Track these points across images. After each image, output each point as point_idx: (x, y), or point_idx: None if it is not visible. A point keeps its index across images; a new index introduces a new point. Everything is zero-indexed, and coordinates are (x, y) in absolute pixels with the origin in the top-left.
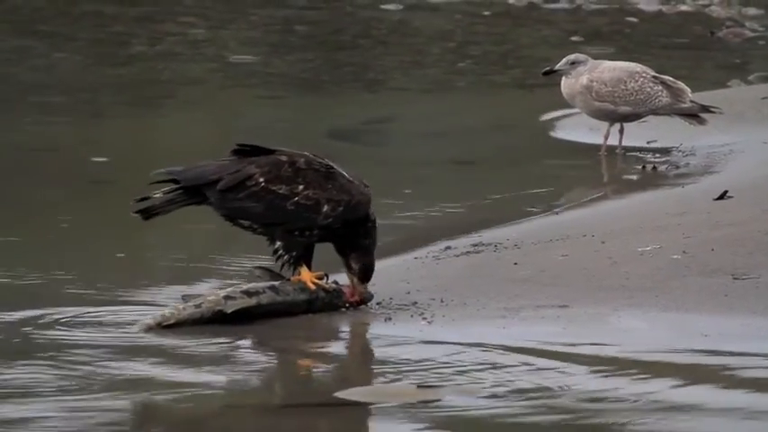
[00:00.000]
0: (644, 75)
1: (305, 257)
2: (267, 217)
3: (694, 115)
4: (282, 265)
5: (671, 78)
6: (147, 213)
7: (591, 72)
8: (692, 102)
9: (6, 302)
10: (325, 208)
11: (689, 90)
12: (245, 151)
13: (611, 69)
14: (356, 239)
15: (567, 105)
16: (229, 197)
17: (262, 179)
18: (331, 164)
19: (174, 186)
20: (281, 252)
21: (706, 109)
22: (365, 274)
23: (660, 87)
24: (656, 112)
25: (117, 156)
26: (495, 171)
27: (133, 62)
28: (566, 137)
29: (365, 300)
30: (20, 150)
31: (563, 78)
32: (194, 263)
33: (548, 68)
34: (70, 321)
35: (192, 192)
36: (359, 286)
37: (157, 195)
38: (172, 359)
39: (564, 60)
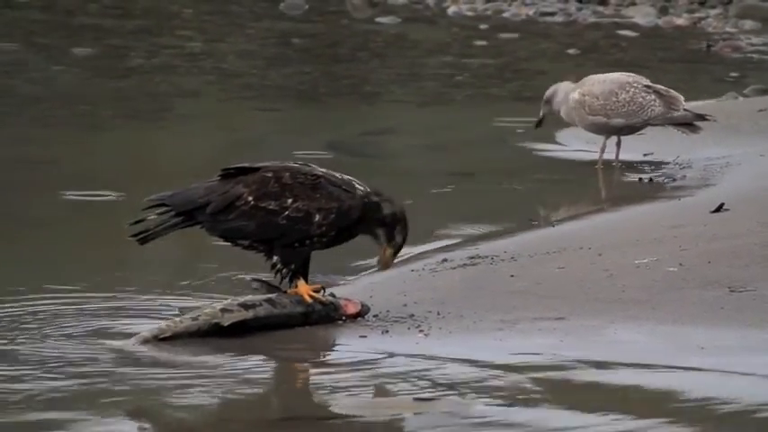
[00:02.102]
0: (635, 85)
1: (302, 270)
2: (261, 234)
3: (688, 124)
4: (282, 279)
5: (663, 87)
6: (143, 239)
7: (581, 87)
8: (685, 110)
9: (4, 313)
10: (317, 218)
11: (682, 98)
12: (230, 174)
13: (601, 82)
14: (378, 223)
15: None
16: (221, 219)
17: (251, 198)
18: (317, 172)
19: (167, 210)
20: (278, 266)
21: (700, 117)
22: (396, 246)
23: (653, 96)
24: (649, 122)
25: (115, 168)
26: (493, 183)
27: (131, 75)
28: (563, 149)
29: (362, 312)
30: (18, 163)
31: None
32: (192, 275)
33: (536, 121)
34: (67, 333)
35: (186, 215)
36: (388, 257)
37: (151, 218)
38: (168, 372)
39: (543, 109)
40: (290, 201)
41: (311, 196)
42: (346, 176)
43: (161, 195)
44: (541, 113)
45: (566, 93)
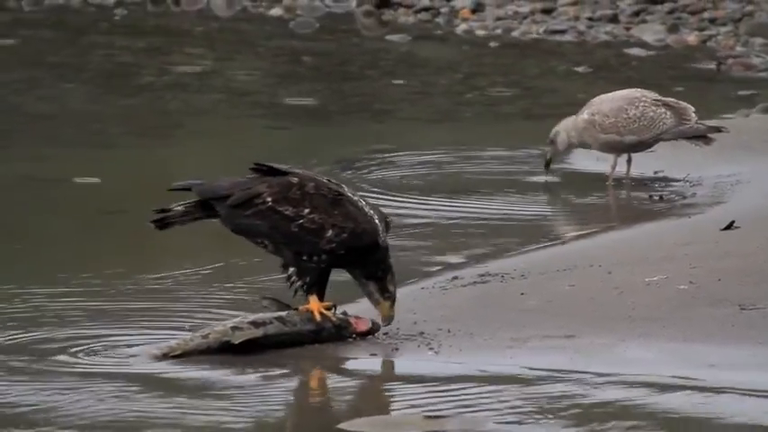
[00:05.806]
0: (644, 99)
1: (318, 286)
2: (271, 236)
3: (701, 136)
4: (295, 292)
5: (673, 99)
6: (162, 224)
7: (589, 107)
8: (698, 123)
9: (18, 330)
10: (329, 233)
11: (692, 108)
12: (261, 170)
13: (610, 100)
14: (373, 267)
15: None
16: (237, 213)
17: (269, 198)
18: (342, 191)
19: (190, 201)
20: (294, 278)
21: (713, 129)
22: (392, 297)
23: (663, 110)
24: (661, 137)
25: (125, 186)
26: (503, 201)
27: (141, 93)
28: (573, 167)
29: (372, 330)
30: (29, 181)
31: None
32: (204, 293)
33: (545, 163)
34: (78, 350)
35: (206, 206)
36: (387, 311)
37: (176, 208)
38: (177, 390)
39: (548, 149)
40: (306, 210)
41: (329, 211)
42: (375, 211)
43: (190, 182)
44: (548, 155)
45: (568, 127)
